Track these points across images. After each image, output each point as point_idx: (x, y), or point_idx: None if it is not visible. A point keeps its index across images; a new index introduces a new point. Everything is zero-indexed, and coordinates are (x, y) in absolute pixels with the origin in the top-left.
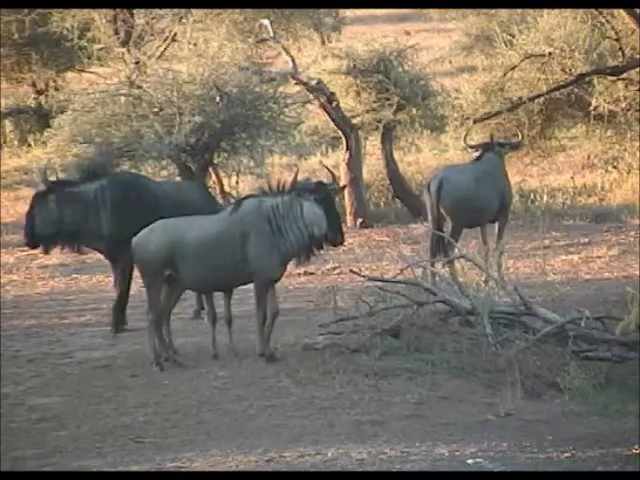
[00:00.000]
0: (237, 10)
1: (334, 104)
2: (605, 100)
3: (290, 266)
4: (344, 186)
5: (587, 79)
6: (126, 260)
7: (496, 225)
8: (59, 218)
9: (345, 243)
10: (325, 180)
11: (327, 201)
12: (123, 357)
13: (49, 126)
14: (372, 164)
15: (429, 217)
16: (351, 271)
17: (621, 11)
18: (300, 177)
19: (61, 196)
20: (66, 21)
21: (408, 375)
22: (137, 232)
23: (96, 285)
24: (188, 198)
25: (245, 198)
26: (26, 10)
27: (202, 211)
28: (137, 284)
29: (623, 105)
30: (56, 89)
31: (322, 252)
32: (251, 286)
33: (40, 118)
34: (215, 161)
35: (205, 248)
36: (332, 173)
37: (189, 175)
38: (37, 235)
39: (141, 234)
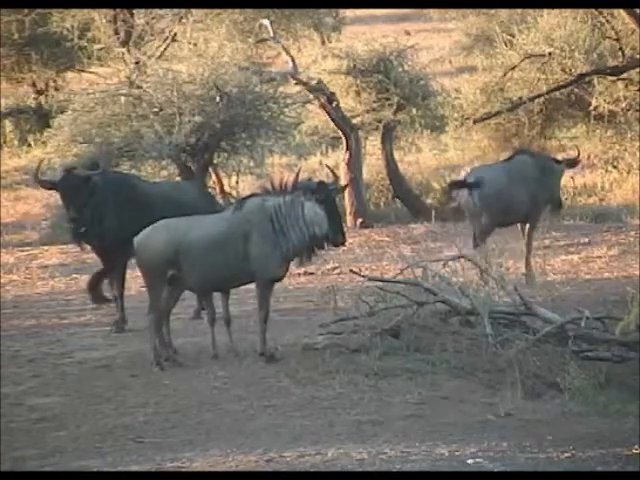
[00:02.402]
0: (237, 10)
1: (334, 104)
2: (605, 100)
3: (290, 266)
4: (345, 186)
5: (587, 79)
6: (123, 260)
7: (526, 226)
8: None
9: (345, 243)
10: (326, 180)
11: (328, 201)
12: (123, 357)
13: (49, 126)
14: (372, 164)
15: (467, 214)
16: (351, 271)
17: (621, 11)
18: (301, 177)
19: (90, 186)
20: (66, 21)
21: (408, 375)
22: (135, 232)
23: None
24: (186, 198)
25: (248, 197)
26: (26, 10)
27: (200, 211)
28: (137, 284)
29: (623, 105)
30: (56, 89)
31: (323, 252)
32: (251, 286)
33: (40, 118)
34: (215, 161)
35: (209, 247)
36: (334, 173)
37: (189, 175)
38: (84, 220)
39: (143, 234)
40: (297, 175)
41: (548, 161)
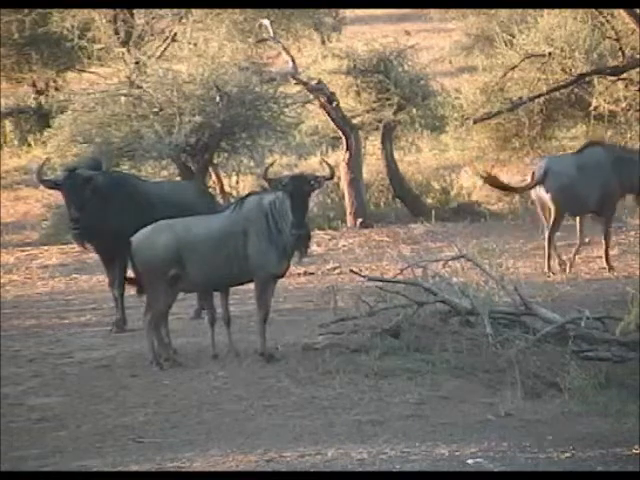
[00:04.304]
0: (237, 10)
1: (334, 104)
2: (605, 100)
3: (291, 266)
4: (330, 177)
5: (587, 79)
6: (125, 259)
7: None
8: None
9: (345, 243)
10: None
11: (295, 193)
12: (123, 357)
13: (49, 126)
14: (372, 164)
15: (537, 205)
16: (351, 271)
17: (621, 11)
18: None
19: (94, 185)
20: (66, 21)
21: (408, 375)
22: (135, 232)
23: (96, 285)
24: (186, 198)
25: (247, 195)
26: (26, 10)
27: (200, 211)
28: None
29: (623, 105)
30: (56, 89)
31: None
32: (251, 286)
33: (40, 118)
34: (215, 161)
35: (210, 246)
36: (329, 165)
37: (189, 175)
38: (85, 220)
39: (143, 234)
40: (266, 170)
41: (624, 152)
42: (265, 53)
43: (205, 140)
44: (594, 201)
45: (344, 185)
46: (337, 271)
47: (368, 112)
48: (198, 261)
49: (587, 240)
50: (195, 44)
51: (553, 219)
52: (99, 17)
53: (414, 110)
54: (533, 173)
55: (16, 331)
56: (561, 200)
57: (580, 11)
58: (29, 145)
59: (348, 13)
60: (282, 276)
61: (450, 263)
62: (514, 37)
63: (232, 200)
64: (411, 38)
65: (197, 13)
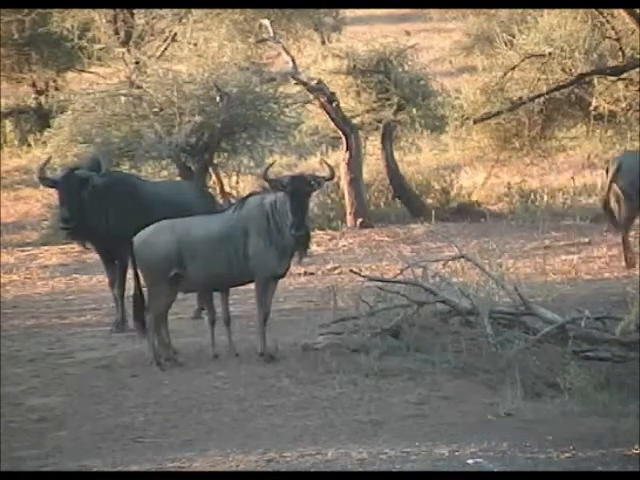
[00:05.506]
0: (237, 10)
1: (334, 104)
2: (605, 100)
3: (291, 267)
4: (330, 178)
5: (587, 79)
6: (125, 260)
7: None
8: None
9: (345, 243)
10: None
11: (295, 194)
12: (123, 357)
13: (49, 126)
14: (372, 164)
15: (612, 202)
16: (351, 271)
17: (621, 11)
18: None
19: (91, 186)
20: (66, 21)
21: (408, 375)
22: (136, 231)
23: (96, 285)
24: (186, 198)
25: (248, 196)
26: (26, 10)
27: (200, 211)
28: None
29: (623, 105)
30: (56, 89)
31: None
32: (251, 286)
33: (40, 118)
34: (215, 161)
35: (212, 246)
36: (329, 165)
37: (189, 175)
38: (76, 221)
39: (145, 234)
40: (266, 170)
41: None
42: (265, 53)
43: (205, 140)
44: None
45: (344, 185)
46: (337, 271)
47: (368, 112)
48: (199, 261)
49: (587, 240)
50: (195, 44)
51: (625, 215)
52: (99, 17)
53: (414, 110)
54: (607, 170)
55: (16, 331)
56: (633, 196)
57: (580, 11)
58: (29, 145)
59: (348, 13)
60: (282, 276)
61: (450, 263)
62: (514, 37)
63: (232, 200)
64: (411, 38)
65: (197, 13)
